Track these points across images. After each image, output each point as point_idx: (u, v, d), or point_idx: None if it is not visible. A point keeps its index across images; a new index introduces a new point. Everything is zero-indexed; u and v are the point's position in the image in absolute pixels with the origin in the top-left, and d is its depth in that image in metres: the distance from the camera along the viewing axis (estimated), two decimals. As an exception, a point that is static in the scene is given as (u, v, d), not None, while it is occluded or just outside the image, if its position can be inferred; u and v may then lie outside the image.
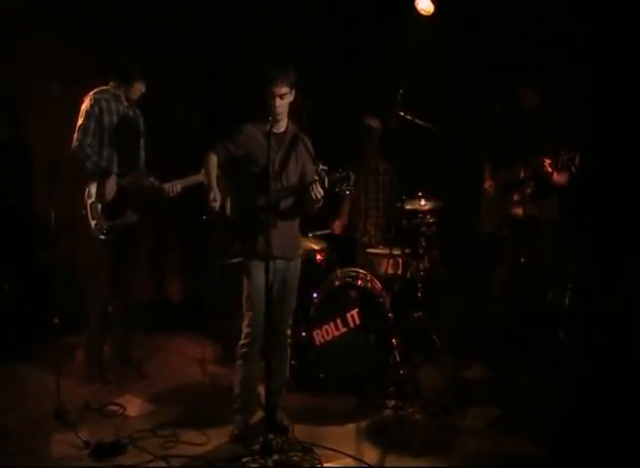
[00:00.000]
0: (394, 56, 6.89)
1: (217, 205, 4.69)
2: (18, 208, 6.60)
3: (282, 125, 4.76)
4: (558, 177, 5.53)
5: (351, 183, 4.54)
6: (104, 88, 5.50)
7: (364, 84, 7.02)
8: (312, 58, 6.76)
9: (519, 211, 5.59)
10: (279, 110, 4.65)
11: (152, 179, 5.55)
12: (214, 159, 4.75)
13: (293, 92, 4.67)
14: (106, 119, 5.42)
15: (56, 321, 5.21)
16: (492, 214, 5.96)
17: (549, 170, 5.49)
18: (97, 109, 5.38)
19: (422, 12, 6.53)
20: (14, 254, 6.49)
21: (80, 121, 5.38)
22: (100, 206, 5.38)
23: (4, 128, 6.43)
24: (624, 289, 6.14)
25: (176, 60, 7.26)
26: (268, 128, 4.54)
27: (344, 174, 4.53)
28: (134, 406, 5.28)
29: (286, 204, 4.75)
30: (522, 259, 5.60)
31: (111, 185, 5.41)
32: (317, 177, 4.50)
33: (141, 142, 5.70)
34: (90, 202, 5.35)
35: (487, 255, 6.13)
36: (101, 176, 5.39)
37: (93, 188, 5.37)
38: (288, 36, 7.14)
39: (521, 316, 5.69)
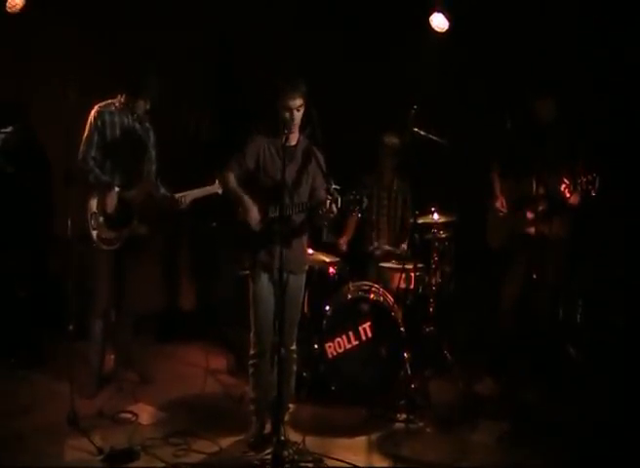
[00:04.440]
0: (409, 72, 6.92)
1: (256, 223, 4.72)
2: (34, 214, 6.65)
3: (294, 138, 4.78)
4: (573, 199, 5.55)
5: (364, 207, 4.57)
6: (110, 101, 5.54)
7: (379, 99, 7.06)
8: (328, 74, 6.81)
9: (532, 229, 5.60)
10: (295, 122, 4.68)
11: (163, 191, 5.61)
12: (232, 178, 4.78)
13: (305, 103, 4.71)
14: (109, 132, 5.47)
15: (70, 327, 5.27)
16: (502, 231, 5.98)
17: (567, 194, 5.50)
18: (99, 122, 5.44)
19: (437, 29, 6.58)
20: (29, 261, 6.54)
21: (85, 133, 5.46)
22: (101, 217, 5.44)
23: (21, 133, 6.47)
24: (634, 306, 6.15)
25: (189, 68, 7.33)
26: (283, 141, 4.57)
27: (358, 197, 4.55)
28: (146, 413, 5.32)
29: (297, 218, 4.78)
30: (534, 276, 5.60)
31: (112, 198, 5.45)
32: (330, 197, 4.50)
33: (151, 155, 5.70)
34: (91, 213, 5.41)
35: (497, 271, 6.14)
36: (103, 189, 5.44)
37: (94, 200, 5.43)
38: (304, 48, 7.20)
39: (532, 331, 5.70)
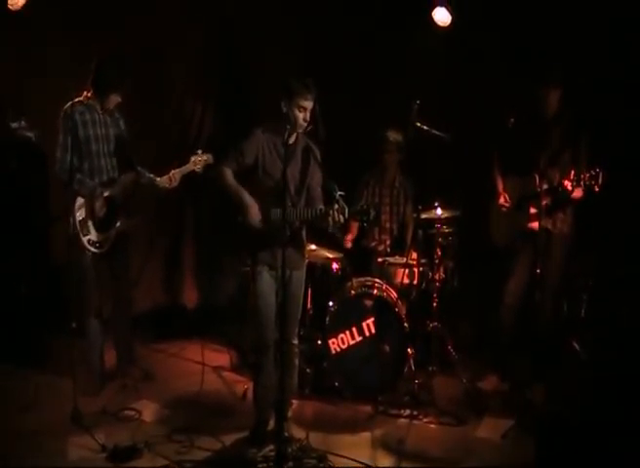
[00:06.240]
0: (411, 66, 6.89)
1: (257, 220, 4.69)
2: (35, 212, 6.64)
3: (293, 136, 4.74)
4: (576, 194, 5.53)
5: (371, 218, 4.56)
6: (77, 100, 5.44)
7: (381, 95, 7.03)
8: (329, 69, 6.78)
9: (536, 224, 5.57)
10: (306, 123, 4.63)
11: (149, 176, 5.54)
12: (229, 174, 4.73)
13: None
14: (81, 132, 5.39)
15: (73, 325, 5.26)
16: (505, 227, 5.95)
17: (569, 188, 5.47)
18: (70, 124, 5.34)
19: (439, 23, 6.55)
20: (30, 258, 6.54)
21: (59, 139, 5.38)
22: (90, 222, 5.39)
23: (25, 131, 6.46)
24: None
25: (191, 59, 7.35)
26: (286, 138, 4.54)
27: (365, 207, 4.57)
28: (149, 410, 5.32)
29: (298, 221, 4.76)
30: (537, 271, 5.57)
31: (100, 201, 5.40)
32: (337, 205, 4.47)
33: (126, 144, 5.62)
34: (79, 218, 5.35)
35: (501, 267, 6.11)
36: (89, 194, 5.39)
37: (79, 204, 5.36)
38: (305, 44, 7.19)
39: (536, 327, 5.67)
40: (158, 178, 5.52)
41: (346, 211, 4.48)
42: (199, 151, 5.56)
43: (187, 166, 5.52)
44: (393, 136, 6.43)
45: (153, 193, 5.72)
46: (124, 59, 5.71)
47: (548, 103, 5.75)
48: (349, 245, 6.60)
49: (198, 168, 5.51)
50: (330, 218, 4.49)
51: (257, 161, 4.71)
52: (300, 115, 4.59)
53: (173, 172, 5.50)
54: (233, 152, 4.73)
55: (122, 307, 5.78)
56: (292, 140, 4.72)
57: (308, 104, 4.59)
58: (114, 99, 5.50)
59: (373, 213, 4.55)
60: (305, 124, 4.64)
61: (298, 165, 4.76)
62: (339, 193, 4.50)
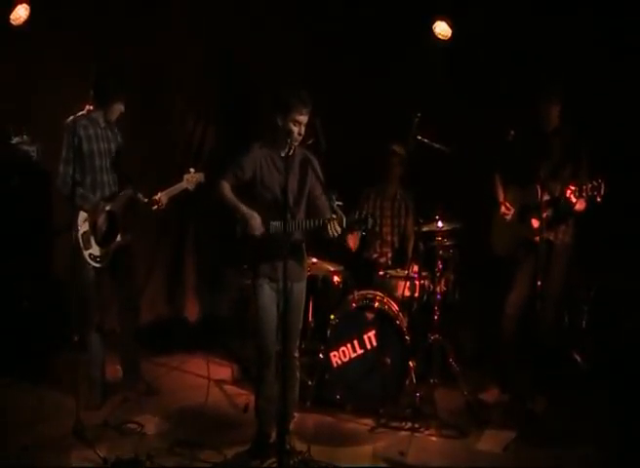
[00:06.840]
0: (412, 79, 6.92)
1: (259, 231, 4.68)
2: (37, 226, 6.66)
3: (291, 148, 4.73)
4: (579, 205, 5.54)
5: (369, 227, 4.57)
6: (81, 113, 5.43)
7: (381, 107, 7.06)
8: (329, 81, 6.81)
9: (537, 238, 5.57)
10: (301, 136, 4.64)
11: (139, 195, 5.58)
12: (227, 188, 4.74)
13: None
14: (85, 147, 5.39)
15: (75, 338, 5.27)
16: (507, 238, 5.97)
17: (573, 199, 5.49)
18: (74, 138, 5.29)
19: (440, 35, 6.59)
20: (32, 272, 6.55)
21: (61, 153, 5.39)
22: (92, 236, 5.40)
23: (27, 145, 6.47)
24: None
25: (191, 76, 7.40)
26: (287, 152, 4.57)
27: (363, 216, 4.58)
28: (151, 424, 5.30)
29: (298, 232, 4.77)
30: (538, 282, 5.58)
31: (102, 215, 5.42)
32: (335, 216, 4.49)
33: (120, 160, 5.62)
34: (81, 232, 5.35)
35: (502, 278, 6.12)
36: (92, 209, 5.41)
37: (81, 218, 5.37)
38: (305, 56, 7.22)
39: (537, 338, 5.68)
40: (146, 200, 5.56)
41: (344, 220, 4.49)
42: (192, 170, 5.61)
43: (180, 184, 5.57)
44: (399, 148, 6.46)
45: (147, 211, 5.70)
46: (123, 68, 5.77)
47: (549, 117, 5.78)
48: (352, 245, 6.51)
49: (191, 186, 5.56)
50: (328, 228, 4.51)
51: (255, 175, 4.73)
52: (295, 129, 4.61)
53: (160, 194, 5.54)
54: (232, 167, 4.75)
55: (128, 321, 5.78)
56: (290, 153, 4.70)
57: (303, 119, 4.60)
58: (117, 109, 5.52)
59: (371, 221, 4.56)
60: (300, 137, 4.65)
61: (295, 177, 4.76)
62: (337, 203, 4.52)
